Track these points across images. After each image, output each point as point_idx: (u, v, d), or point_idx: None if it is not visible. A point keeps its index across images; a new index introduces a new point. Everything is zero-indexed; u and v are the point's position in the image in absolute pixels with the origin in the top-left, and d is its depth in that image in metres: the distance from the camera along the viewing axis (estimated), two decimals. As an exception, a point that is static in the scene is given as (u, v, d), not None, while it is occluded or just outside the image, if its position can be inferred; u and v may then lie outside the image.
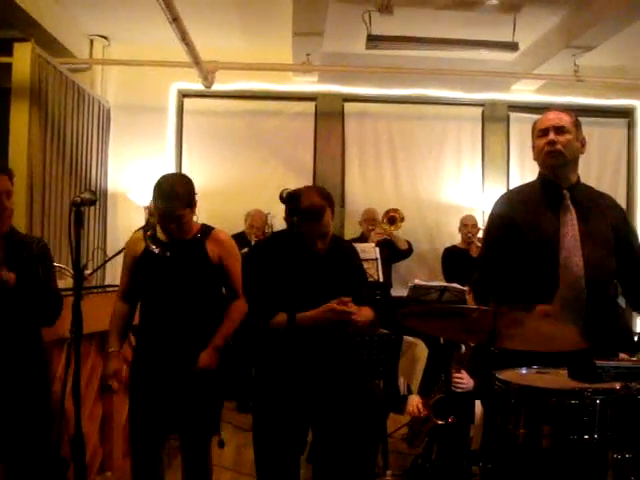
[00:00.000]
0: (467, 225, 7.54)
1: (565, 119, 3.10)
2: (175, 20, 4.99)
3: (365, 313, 3.15)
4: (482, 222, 7.62)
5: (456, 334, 2.52)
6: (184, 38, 5.50)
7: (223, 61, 7.08)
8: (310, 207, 2.93)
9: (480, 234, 7.36)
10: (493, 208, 3.29)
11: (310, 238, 3.03)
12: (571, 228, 3.02)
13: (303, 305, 2.96)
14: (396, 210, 7.55)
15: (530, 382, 2.47)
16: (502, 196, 3.32)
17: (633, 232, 3.29)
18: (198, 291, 3.46)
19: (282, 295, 2.83)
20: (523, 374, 2.63)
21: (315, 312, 3.00)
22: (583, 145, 3.17)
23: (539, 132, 3.12)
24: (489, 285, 3.11)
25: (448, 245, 7.74)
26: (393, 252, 7.43)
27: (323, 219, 3.03)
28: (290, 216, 2.60)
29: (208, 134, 8.20)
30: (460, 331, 2.45)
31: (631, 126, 8.85)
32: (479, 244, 7.13)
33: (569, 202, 3.08)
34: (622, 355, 3.10)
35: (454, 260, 7.40)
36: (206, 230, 3.57)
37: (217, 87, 7.60)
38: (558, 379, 2.48)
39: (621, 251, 3.11)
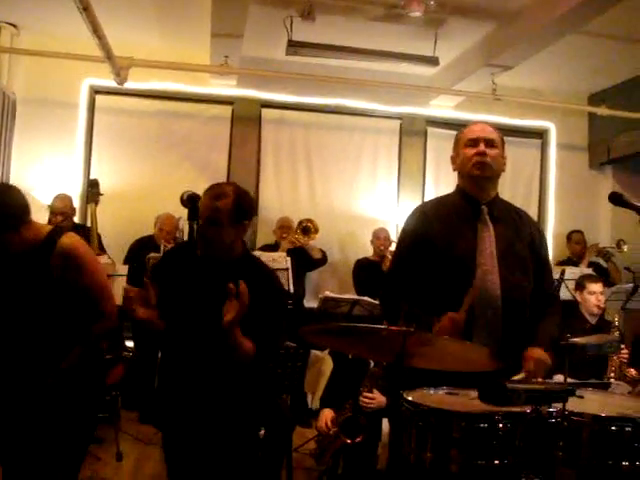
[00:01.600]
0: (380, 237, 7.51)
1: (495, 134, 3.04)
2: (85, 10, 4.75)
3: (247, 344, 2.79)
4: (396, 235, 7.58)
5: (364, 352, 2.40)
6: (95, 30, 5.25)
7: (138, 58, 6.82)
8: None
9: (393, 247, 7.33)
10: (406, 221, 3.16)
11: (211, 244, 2.83)
12: (488, 244, 2.93)
13: (198, 316, 2.79)
14: (310, 220, 7.46)
15: (438, 404, 2.36)
16: (416, 209, 3.19)
17: (546, 253, 3.23)
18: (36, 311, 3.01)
19: (179, 306, 2.65)
20: (432, 395, 2.52)
21: None
22: (504, 163, 3.11)
23: (468, 141, 3.01)
24: (396, 300, 2.98)
25: (360, 257, 7.67)
26: (306, 261, 7.34)
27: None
28: (190, 219, 2.43)
29: (120, 133, 7.92)
30: (368, 349, 2.33)
31: (544, 147, 9.05)
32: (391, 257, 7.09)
33: (487, 217, 2.99)
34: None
35: (365, 272, 7.34)
36: (53, 237, 3.02)
37: (131, 85, 7.31)
38: (468, 401, 2.39)
39: (534, 269, 3.05)
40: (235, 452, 2.91)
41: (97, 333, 3.10)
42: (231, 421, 2.90)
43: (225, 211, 2.82)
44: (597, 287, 5.39)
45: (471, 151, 2.99)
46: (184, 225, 6.86)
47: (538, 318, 3.04)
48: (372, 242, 7.60)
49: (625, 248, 7.94)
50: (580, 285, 5.51)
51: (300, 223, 7.43)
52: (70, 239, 3.03)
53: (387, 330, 2.18)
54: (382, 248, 7.41)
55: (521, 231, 3.07)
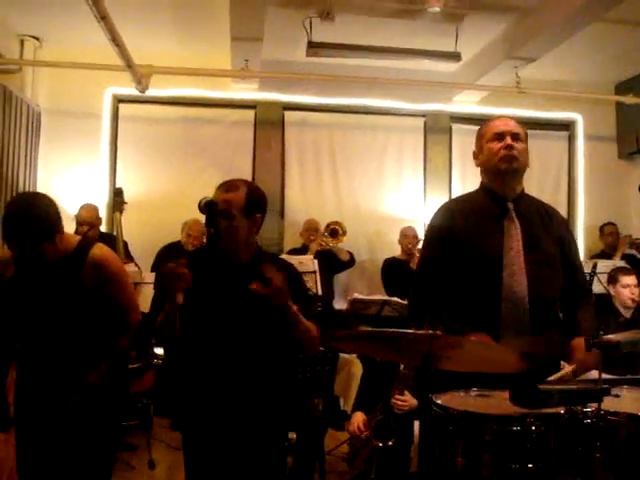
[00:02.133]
0: (408, 236, 7.46)
1: (519, 128, 2.98)
2: (103, 18, 4.75)
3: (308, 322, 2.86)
4: (423, 234, 7.53)
5: (391, 356, 2.35)
6: (114, 39, 5.26)
7: (158, 65, 6.83)
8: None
9: (420, 245, 7.28)
10: (432, 219, 3.11)
11: (225, 239, 2.82)
12: (515, 243, 2.87)
13: (221, 319, 2.79)
14: (338, 223, 7.47)
15: (469, 407, 2.30)
16: (441, 207, 3.14)
17: (575, 248, 3.19)
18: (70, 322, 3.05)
19: (201, 311, 2.62)
20: (463, 397, 2.46)
21: None
22: (528, 158, 3.04)
23: (494, 135, 2.95)
24: (426, 301, 2.95)
25: (388, 257, 7.61)
26: (334, 263, 7.31)
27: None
28: (208, 226, 2.40)
29: (144, 141, 7.95)
30: (395, 353, 2.28)
31: (572, 139, 8.92)
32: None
33: (513, 214, 2.93)
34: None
35: (394, 272, 7.28)
36: (84, 248, 3.10)
37: (153, 93, 7.34)
38: (499, 403, 2.33)
39: (565, 268, 2.98)
40: (262, 457, 2.88)
41: (124, 346, 3.12)
42: (259, 425, 2.87)
43: (237, 203, 2.83)
44: (630, 280, 5.26)
45: (497, 145, 2.93)
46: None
47: (574, 310, 3.02)
48: (400, 241, 7.55)
49: (660, 240, 7.81)
50: (613, 278, 5.40)
51: (328, 226, 7.42)
52: (101, 250, 3.11)
53: (413, 334, 2.12)
54: (410, 247, 7.34)
55: (549, 228, 3.01)
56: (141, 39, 6.65)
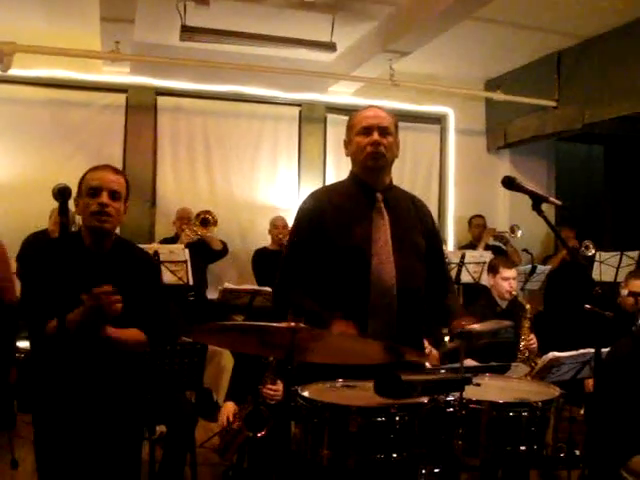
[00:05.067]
0: (277, 226, 7.47)
1: (388, 119, 2.96)
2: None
3: (131, 332, 2.90)
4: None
5: (255, 349, 2.29)
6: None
7: (22, 43, 6.48)
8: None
9: None
10: (302, 205, 3.08)
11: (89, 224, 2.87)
12: (383, 233, 2.88)
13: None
14: (209, 212, 7.29)
15: (334, 399, 2.28)
16: (312, 193, 3.12)
17: (440, 240, 3.26)
18: None
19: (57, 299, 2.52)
20: (328, 389, 2.45)
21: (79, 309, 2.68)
22: (398, 149, 3.05)
23: (362, 129, 2.92)
24: (291, 288, 2.93)
25: (259, 247, 7.60)
26: (207, 252, 7.22)
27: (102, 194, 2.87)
28: (60, 214, 2.27)
29: (8, 124, 7.52)
30: (258, 346, 2.22)
31: (443, 132, 9.16)
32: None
33: (382, 205, 2.94)
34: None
35: (264, 262, 7.26)
36: None
37: (17, 72, 6.97)
38: (364, 394, 2.32)
39: (429, 259, 3.03)
40: (118, 450, 2.88)
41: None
42: (114, 417, 2.86)
43: (123, 186, 2.97)
44: (511, 273, 5.26)
45: (364, 140, 2.92)
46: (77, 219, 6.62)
47: (442, 298, 3.09)
48: (270, 231, 7.55)
49: (519, 234, 8.13)
50: (493, 268, 5.36)
51: (198, 215, 7.26)
52: None
53: (274, 328, 2.07)
54: (280, 237, 7.33)
55: (416, 219, 3.04)
56: (3, 14, 6.31)
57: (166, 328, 2.54)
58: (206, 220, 7.22)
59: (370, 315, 2.79)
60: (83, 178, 2.96)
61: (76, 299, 2.67)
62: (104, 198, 2.86)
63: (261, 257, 7.41)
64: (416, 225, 3.02)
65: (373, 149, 2.89)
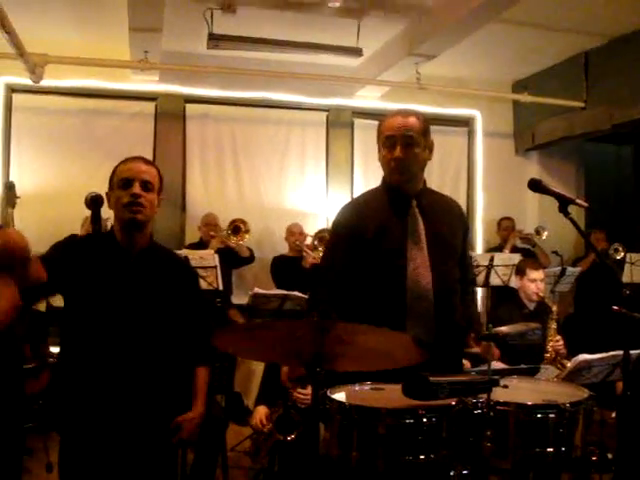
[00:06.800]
0: (294, 233, 7.49)
1: (414, 126, 2.91)
2: (-7, 5, 4.54)
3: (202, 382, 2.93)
4: (325, 228, 7.61)
5: (279, 357, 2.31)
6: (4, 25, 5.03)
7: (53, 55, 6.59)
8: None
9: (308, 241, 7.38)
10: (337, 218, 3.11)
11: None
12: (418, 238, 2.90)
13: (114, 311, 2.66)
14: (243, 221, 7.38)
15: (362, 401, 2.31)
16: (346, 205, 3.15)
17: (468, 242, 3.27)
18: None
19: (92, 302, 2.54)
20: (356, 391, 2.48)
21: None
22: (431, 151, 3.04)
23: (385, 140, 2.92)
24: (327, 298, 2.94)
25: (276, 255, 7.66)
26: (234, 259, 7.28)
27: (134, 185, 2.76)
28: (93, 223, 2.31)
29: (39, 133, 7.65)
30: (284, 354, 2.21)
31: (471, 135, 9.11)
32: (309, 251, 7.15)
33: (416, 210, 2.95)
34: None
35: (284, 269, 7.31)
36: None
37: (49, 83, 7.06)
38: (393, 396, 2.34)
39: (461, 260, 3.06)
40: (153, 457, 2.77)
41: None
42: (147, 425, 2.75)
43: (156, 177, 2.86)
44: (538, 275, 5.24)
45: (388, 154, 2.91)
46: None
47: (464, 299, 3.10)
48: (286, 238, 7.58)
49: (544, 235, 8.07)
50: (521, 270, 5.36)
51: (232, 222, 7.34)
52: None
53: (302, 323, 2.08)
54: (297, 243, 7.38)
55: (450, 220, 3.05)
56: (35, 26, 6.41)
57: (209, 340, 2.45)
58: (238, 228, 7.28)
59: (408, 319, 2.81)
60: (114, 171, 2.87)
61: (106, 296, 2.65)
62: (136, 189, 2.74)
63: (279, 264, 7.45)
64: (451, 227, 3.03)
65: (395, 165, 2.90)
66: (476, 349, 2.92)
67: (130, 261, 2.76)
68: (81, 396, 2.68)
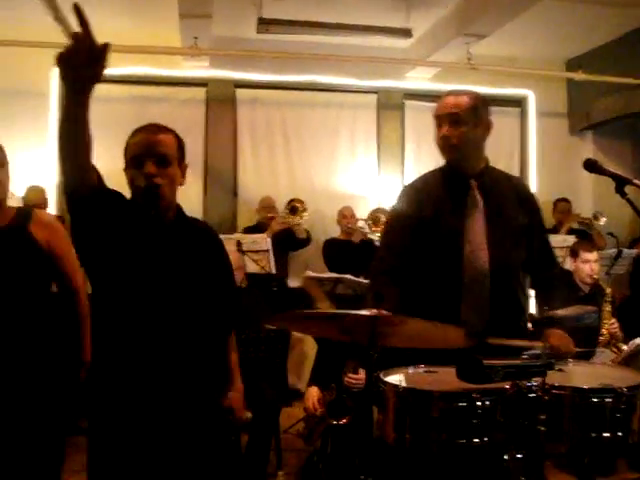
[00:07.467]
0: (346, 216, 7.51)
1: (463, 105, 2.85)
2: (46, -5, 4.61)
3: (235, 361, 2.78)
4: (377, 209, 7.59)
5: (335, 335, 2.31)
6: (57, 16, 5.10)
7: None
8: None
9: (360, 223, 7.41)
10: (397, 200, 3.08)
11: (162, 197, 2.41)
12: (477, 220, 2.86)
13: (154, 281, 2.38)
14: (300, 200, 7.44)
15: (416, 384, 2.31)
16: (406, 187, 3.12)
17: (541, 218, 3.17)
18: (25, 289, 2.84)
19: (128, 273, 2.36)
20: (410, 374, 2.47)
21: None
22: (488, 128, 2.99)
23: (435, 119, 2.91)
24: (378, 275, 2.95)
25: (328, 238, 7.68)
26: (291, 241, 7.32)
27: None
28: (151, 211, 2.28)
29: (93, 121, 7.62)
30: (339, 332, 2.26)
31: (523, 115, 8.99)
32: (363, 231, 7.22)
33: (476, 192, 2.90)
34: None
35: (336, 252, 7.32)
36: (25, 213, 2.97)
37: (102, 71, 7.17)
38: (446, 379, 2.33)
39: (531, 241, 2.99)
40: (209, 442, 2.48)
41: (84, 312, 3.03)
42: (200, 404, 2.46)
43: (172, 147, 2.46)
44: (591, 256, 5.15)
45: (438, 133, 2.90)
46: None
47: (548, 288, 3.07)
48: (338, 221, 7.59)
49: (602, 221, 7.90)
50: (574, 252, 5.28)
51: (289, 202, 7.41)
52: (41, 212, 3.13)
53: (354, 315, 2.10)
54: (349, 226, 7.40)
55: (515, 201, 2.99)
56: (88, 16, 6.44)
57: (239, 309, 2.28)
58: (295, 208, 7.32)
59: (463, 302, 2.79)
60: (125, 146, 2.52)
61: (144, 268, 2.39)
62: (149, 167, 2.38)
63: (331, 247, 7.47)
64: (515, 208, 2.97)
65: (443, 143, 2.88)
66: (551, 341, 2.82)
67: (164, 232, 2.47)
68: (122, 381, 2.36)
